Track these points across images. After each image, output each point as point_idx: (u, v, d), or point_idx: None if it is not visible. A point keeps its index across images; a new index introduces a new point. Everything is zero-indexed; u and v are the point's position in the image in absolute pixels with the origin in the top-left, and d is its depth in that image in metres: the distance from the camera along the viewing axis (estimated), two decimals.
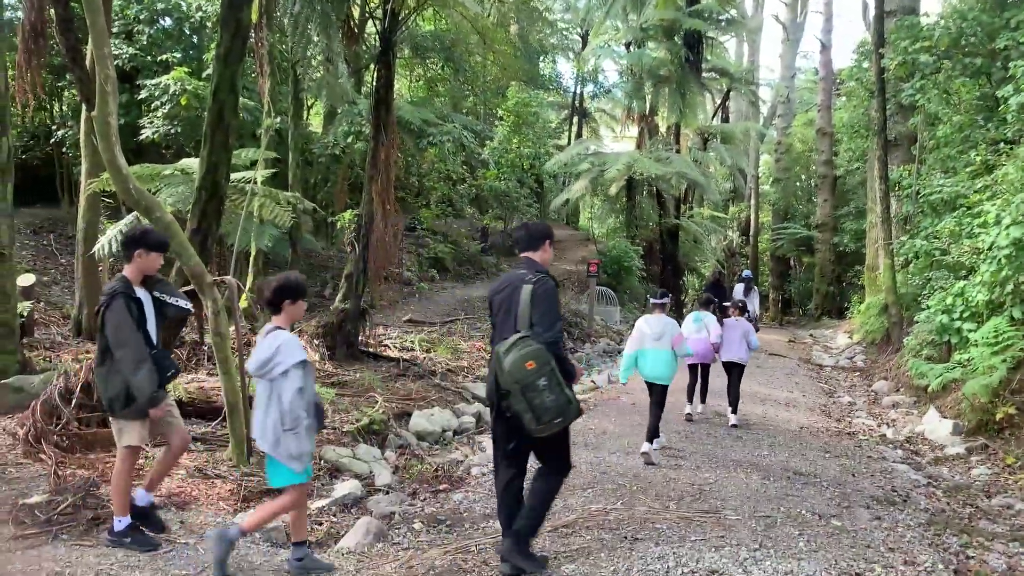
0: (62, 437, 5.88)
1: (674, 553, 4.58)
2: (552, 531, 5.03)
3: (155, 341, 4.54)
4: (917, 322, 11.63)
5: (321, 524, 5.39)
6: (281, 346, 4.08)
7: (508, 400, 4.02)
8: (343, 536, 5.18)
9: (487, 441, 7.96)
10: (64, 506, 4.78)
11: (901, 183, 15.22)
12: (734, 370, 8.77)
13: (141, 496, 4.59)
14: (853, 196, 25.51)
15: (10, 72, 9.86)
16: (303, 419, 4.05)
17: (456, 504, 5.91)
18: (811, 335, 21.77)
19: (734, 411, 8.74)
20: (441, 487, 6.43)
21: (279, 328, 4.22)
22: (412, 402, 9.01)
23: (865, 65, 17.74)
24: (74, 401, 6.13)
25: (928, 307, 10.19)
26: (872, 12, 16.39)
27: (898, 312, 13.96)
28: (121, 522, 4.47)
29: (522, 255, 4.47)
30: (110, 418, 4.55)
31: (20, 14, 10.42)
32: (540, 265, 4.40)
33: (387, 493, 6.26)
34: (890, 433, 9.20)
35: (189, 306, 4.95)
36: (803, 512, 5.50)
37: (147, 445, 5.24)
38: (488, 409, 7.36)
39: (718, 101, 31.33)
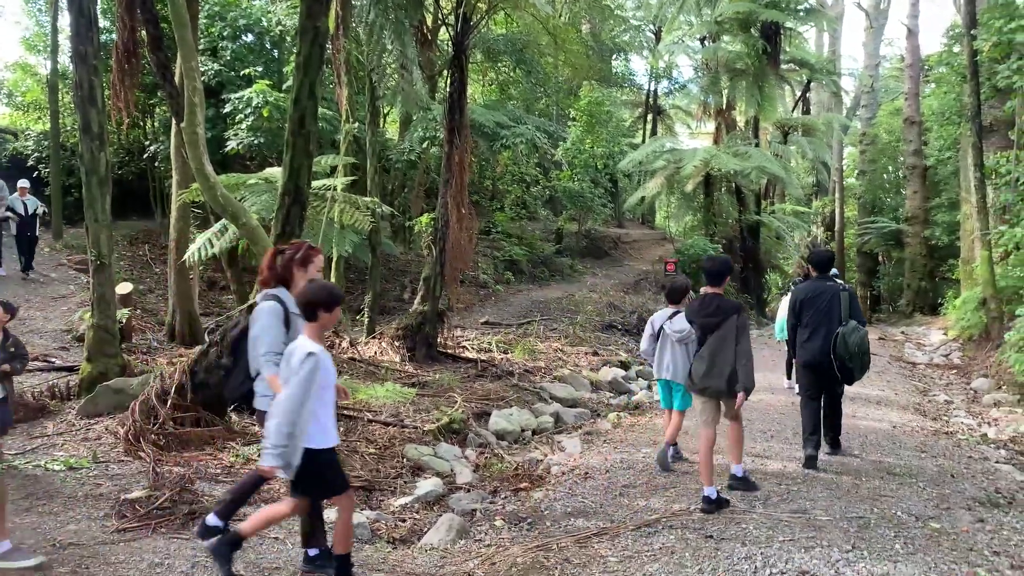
0: (159, 436, 6.15)
1: (761, 553, 4.45)
2: (635, 530, 4.96)
3: None
4: (1019, 316, 11.00)
5: (404, 520, 5.47)
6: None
7: (848, 361, 6.34)
8: (426, 532, 5.25)
9: (566, 440, 7.95)
10: (162, 501, 5.00)
11: (998, 170, 14.41)
12: None
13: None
14: (945, 187, 24.33)
15: (106, 91, 10.42)
16: None
17: (537, 502, 5.90)
18: (902, 332, 20.88)
19: None
20: (522, 486, 6.43)
21: (679, 311, 6.33)
22: (491, 402, 9.05)
23: (956, 49, 16.95)
24: (169, 402, 6.41)
25: None
26: None
27: (998, 306, 13.26)
28: (710, 489, 5.34)
29: (817, 272, 6.89)
30: (723, 397, 5.47)
31: (114, 36, 10.96)
32: (832, 279, 6.84)
33: (468, 491, 6.30)
34: (992, 432, 8.73)
35: None
36: (898, 513, 5.26)
37: None
38: (567, 408, 7.90)
39: (798, 93, 30.44)
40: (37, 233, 13.58)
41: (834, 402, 6.89)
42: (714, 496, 5.32)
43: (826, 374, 6.55)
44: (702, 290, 5.71)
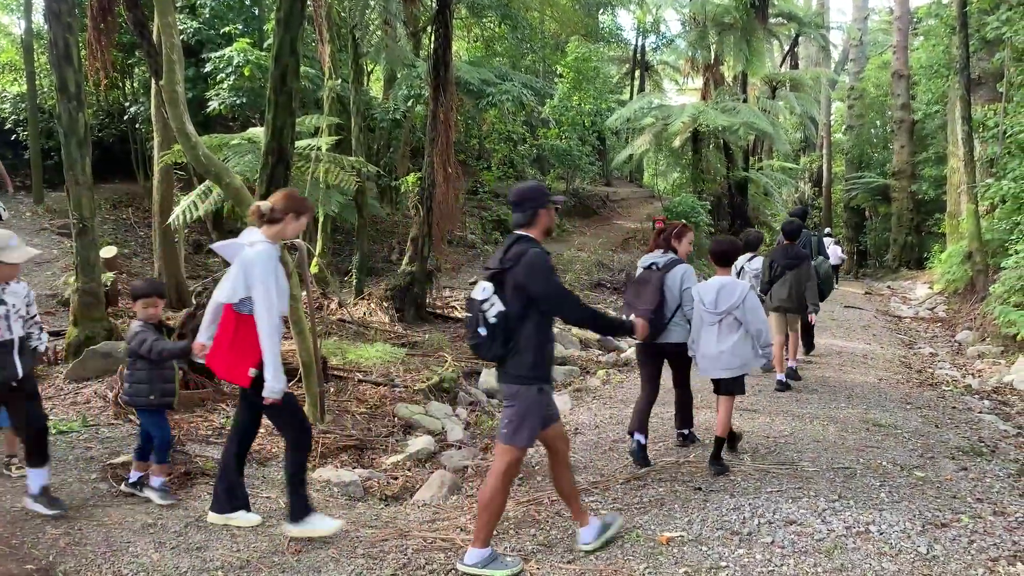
0: None
1: (749, 504, 4.51)
2: (624, 483, 5.02)
3: None
4: (1004, 269, 11.08)
5: (396, 478, 5.51)
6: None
7: (820, 284, 8.11)
8: (418, 489, 5.29)
9: (556, 397, 7.98)
10: None
11: (985, 123, 14.41)
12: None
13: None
14: (932, 141, 24.33)
15: (82, 51, 10.17)
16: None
17: (527, 459, 5.94)
18: (888, 287, 21.05)
19: None
20: None
21: (756, 256, 8.49)
22: (480, 361, 9.08)
23: (945, 0, 16.81)
24: None
25: (1016, 252, 9.68)
26: None
27: (983, 259, 13.35)
28: (781, 375, 7.82)
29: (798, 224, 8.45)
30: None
31: None
32: (805, 226, 8.87)
33: (459, 448, 6.35)
34: (976, 383, 8.85)
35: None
36: (884, 463, 5.35)
37: None
38: (557, 366, 8.95)
39: (786, 48, 30.18)
40: None
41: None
42: (784, 380, 7.72)
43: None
44: (784, 242, 8.10)
